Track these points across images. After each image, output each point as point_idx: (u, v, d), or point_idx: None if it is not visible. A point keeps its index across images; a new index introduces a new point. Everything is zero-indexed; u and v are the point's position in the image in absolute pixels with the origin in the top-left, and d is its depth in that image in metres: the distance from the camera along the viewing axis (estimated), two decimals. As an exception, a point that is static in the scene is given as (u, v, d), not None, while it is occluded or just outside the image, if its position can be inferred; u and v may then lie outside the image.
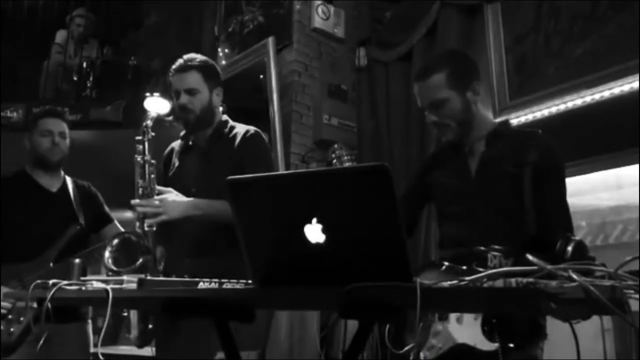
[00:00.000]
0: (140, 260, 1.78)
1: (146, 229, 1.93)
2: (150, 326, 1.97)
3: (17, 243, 2.41)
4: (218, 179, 1.94)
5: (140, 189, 1.99)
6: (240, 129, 2.18)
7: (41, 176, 2.61)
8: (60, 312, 2.10)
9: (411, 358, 1.68)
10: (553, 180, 1.72)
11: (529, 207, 1.64)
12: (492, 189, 1.75)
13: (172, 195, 1.98)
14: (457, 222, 1.81)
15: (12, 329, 2.19)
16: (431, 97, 1.78)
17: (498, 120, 2.34)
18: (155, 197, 1.97)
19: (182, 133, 2.27)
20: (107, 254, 1.76)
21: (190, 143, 2.24)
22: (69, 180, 2.70)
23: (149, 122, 2.04)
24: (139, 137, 2.03)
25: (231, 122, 2.23)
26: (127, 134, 2.96)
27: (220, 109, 2.25)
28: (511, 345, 1.48)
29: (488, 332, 1.46)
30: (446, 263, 1.24)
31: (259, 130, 2.20)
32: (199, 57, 2.20)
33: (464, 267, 1.17)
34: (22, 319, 2.20)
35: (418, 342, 1.67)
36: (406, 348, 1.67)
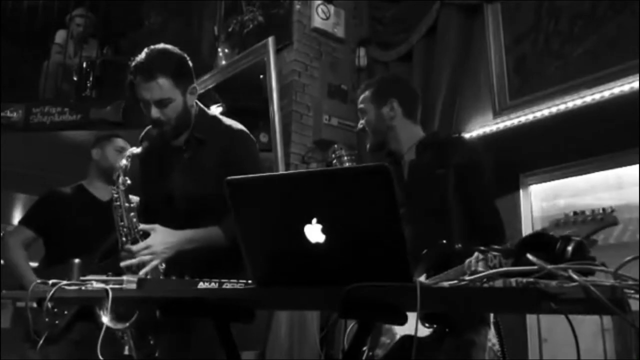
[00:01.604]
0: (134, 317, 1.78)
1: (142, 276, 1.72)
2: (152, 342, 1.95)
3: (70, 244, 2.60)
4: (203, 185, 1.89)
5: (124, 231, 1.87)
6: (222, 129, 1.98)
7: (98, 188, 2.88)
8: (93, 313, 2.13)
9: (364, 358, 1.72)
10: (476, 180, 1.85)
11: (452, 206, 1.78)
12: (420, 193, 1.89)
13: (160, 235, 1.80)
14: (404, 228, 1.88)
15: (57, 322, 2.43)
16: (359, 108, 2.11)
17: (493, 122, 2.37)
18: (141, 243, 1.79)
19: (144, 134, 2.06)
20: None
21: (167, 146, 2.01)
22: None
23: (121, 171, 1.89)
24: (114, 188, 1.89)
25: (210, 116, 2.02)
26: (127, 134, 2.98)
27: (219, 109, 2.18)
28: (447, 329, 1.59)
29: (423, 317, 1.51)
30: None
31: (242, 129, 2.01)
32: (165, 51, 1.91)
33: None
34: (65, 312, 2.47)
35: (370, 342, 1.73)
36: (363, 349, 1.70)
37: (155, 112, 1.85)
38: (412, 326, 1.57)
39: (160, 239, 1.78)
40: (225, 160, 1.90)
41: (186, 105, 1.91)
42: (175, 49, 1.96)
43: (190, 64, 1.96)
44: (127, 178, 1.90)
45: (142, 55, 1.88)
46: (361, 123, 2.12)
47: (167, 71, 1.84)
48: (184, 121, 1.92)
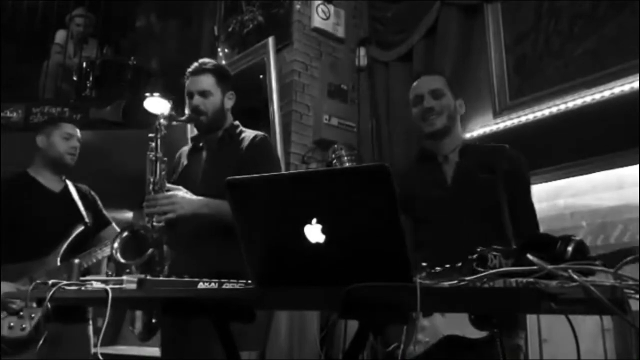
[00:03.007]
0: (149, 252, 1.80)
1: (155, 224, 1.93)
2: (153, 321, 1.96)
3: (23, 242, 2.45)
4: (223, 180, 1.98)
5: (151, 185, 2.00)
6: (249, 133, 2.22)
7: (46, 177, 2.66)
8: (66, 313, 2.11)
9: (399, 358, 1.70)
10: (522, 188, 1.93)
11: (505, 209, 1.84)
12: (467, 196, 1.91)
13: (182, 193, 2.00)
14: (436, 228, 1.92)
15: (24, 325, 2.28)
16: (433, 86, 2.04)
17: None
18: (165, 194, 1.98)
19: (193, 135, 2.31)
20: (115, 245, 1.78)
21: (201, 145, 2.27)
22: (69, 183, 2.74)
23: (162, 121, 2.05)
24: (152, 134, 2.04)
25: (241, 127, 2.27)
26: (127, 134, 2.98)
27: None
28: (496, 330, 1.57)
29: (475, 321, 1.50)
30: (424, 263, 1.26)
31: (266, 136, 2.25)
32: (213, 61, 2.27)
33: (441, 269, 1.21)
34: (33, 315, 2.30)
35: (405, 339, 1.70)
36: (392, 346, 1.69)
37: (196, 100, 2.16)
38: (459, 326, 1.59)
39: (182, 195, 1.99)
40: (248, 163, 2.09)
41: (223, 105, 2.22)
42: (223, 64, 2.42)
43: (232, 77, 2.33)
44: (166, 132, 2.04)
45: (195, 64, 2.22)
46: (432, 102, 2.02)
47: (212, 71, 2.20)
48: (218, 118, 2.20)
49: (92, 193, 2.83)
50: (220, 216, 1.95)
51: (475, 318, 1.51)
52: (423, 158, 2.10)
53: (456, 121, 2.06)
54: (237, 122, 2.28)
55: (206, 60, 2.26)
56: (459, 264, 1.17)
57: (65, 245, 2.48)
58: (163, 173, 2.01)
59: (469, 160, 1.99)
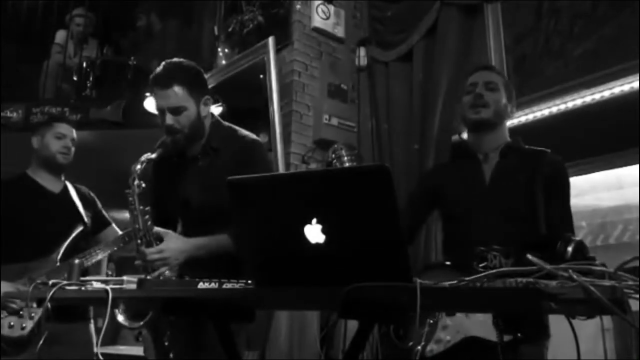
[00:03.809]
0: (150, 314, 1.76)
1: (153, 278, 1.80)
2: (166, 343, 1.94)
3: (23, 243, 2.46)
4: (216, 193, 1.85)
5: (139, 234, 1.89)
6: (236, 139, 2.04)
7: (44, 178, 2.67)
8: (67, 312, 2.11)
9: (418, 355, 1.69)
10: (561, 193, 1.90)
11: (541, 214, 1.82)
12: (505, 196, 1.88)
13: (172, 241, 1.87)
14: (469, 225, 1.89)
15: (24, 325, 2.30)
16: (489, 79, 2.02)
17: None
18: (155, 247, 1.85)
19: (160, 142, 2.06)
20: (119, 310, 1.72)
21: (179, 155, 2.06)
22: (68, 184, 2.75)
23: (136, 174, 1.88)
24: (128, 190, 1.89)
25: (225, 127, 2.09)
26: (127, 134, 2.97)
27: (219, 110, 2.18)
28: (519, 335, 1.56)
29: (498, 324, 1.49)
30: (448, 263, 1.25)
31: (256, 139, 2.09)
32: (181, 63, 1.99)
33: (469, 267, 1.19)
34: (33, 315, 2.32)
35: (426, 336, 1.70)
36: (410, 344, 1.68)
37: (169, 119, 1.92)
38: (482, 328, 1.58)
39: (173, 246, 1.85)
40: (239, 170, 1.91)
41: (199, 114, 1.98)
42: (191, 63, 2.04)
43: (205, 76, 2.06)
44: (142, 182, 1.90)
45: (160, 67, 1.96)
46: (483, 91, 1.99)
47: (182, 81, 1.92)
48: (197, 130, 1.99)
49: (92, 194, 2.84)
50: (216, 252, 1.88)
51: (498, 321, 1.50)
52: (462, 154, 2.06)
53: (503, 120, 2.02)
54: (217, 120, 2.08)
55: (173, 64, 1.97)
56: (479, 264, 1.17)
57: (64, 246, 2.48)
58: (149, 223, 1.88)
59: (509, 161, 1.96)
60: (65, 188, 2.72)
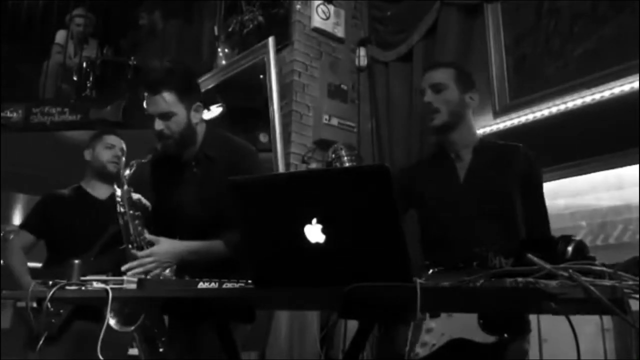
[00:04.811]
0: (141, 318, 1.79)
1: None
2: (161, 349, 1.94)
3: (69, 245, 2.65)
4: (210, 200, 1.91)
5: (130, 238, 1.90)
6: (231, 148, 2.02)
7: (95, 187, 2.88)
8: (95, 310, 2.13)
9: (405, 357, 1.69)
10: (536, 189, 1.91)
11: (518, 212, 1.82)
12: (480, 194, 1.87)
13: (164, 245, 1.85)
14: (446, 225, 1.89)
15: (53, 320, 2.44)
16: (434, 80, 1.96)
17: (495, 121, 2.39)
18: (146, 250, 1.84)
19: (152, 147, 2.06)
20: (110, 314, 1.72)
21: (175, 161, 2.05)
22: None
23: (125, 180, 1.91)
24: (117, 197, 1.90)
25: (220, 134, 2.07)
26: (127, 134, 2.98)
27: (219, 110, 2.18)
28: (506, 335, 1.57)
29: (484, 325, 1.49)
30: (427, 262, 1.25)
31: (251, 149, 2.08)
32: (171, 68, 1.98)
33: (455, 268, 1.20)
34: (61, 311, 2.48)
35: (411, 340, 1.69)
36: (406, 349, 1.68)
37: (158, 125, 1.91)
38: (466, 328, 1.57)
39: (165, 249, 1.84)
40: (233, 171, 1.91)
41: (190, 120, 1.95)
42: (183, 67, 2.03)
43: (198, 81, 2.04)
44: (131, 188, 1.91)
45: (150, 71, 1.99)
46: (430, 97, 1.94)
47: (171, 86, 1.90)
48: (188, 136, 1.97)
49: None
50: (209, 258, 1.86)
51: (484, 322, 1.50)
52: (437, 154, 2.04)
53: (463, 116, 1.96)
54: (209, 129, 2.05)
55: (163, 68, 1.97)
56: (462, 265, 1.17)
57: (100, 244, 2.65)
58: (139, 228, 1.88)
59: (482, 158, 1.94)
60: (113, 195, 2.80)
